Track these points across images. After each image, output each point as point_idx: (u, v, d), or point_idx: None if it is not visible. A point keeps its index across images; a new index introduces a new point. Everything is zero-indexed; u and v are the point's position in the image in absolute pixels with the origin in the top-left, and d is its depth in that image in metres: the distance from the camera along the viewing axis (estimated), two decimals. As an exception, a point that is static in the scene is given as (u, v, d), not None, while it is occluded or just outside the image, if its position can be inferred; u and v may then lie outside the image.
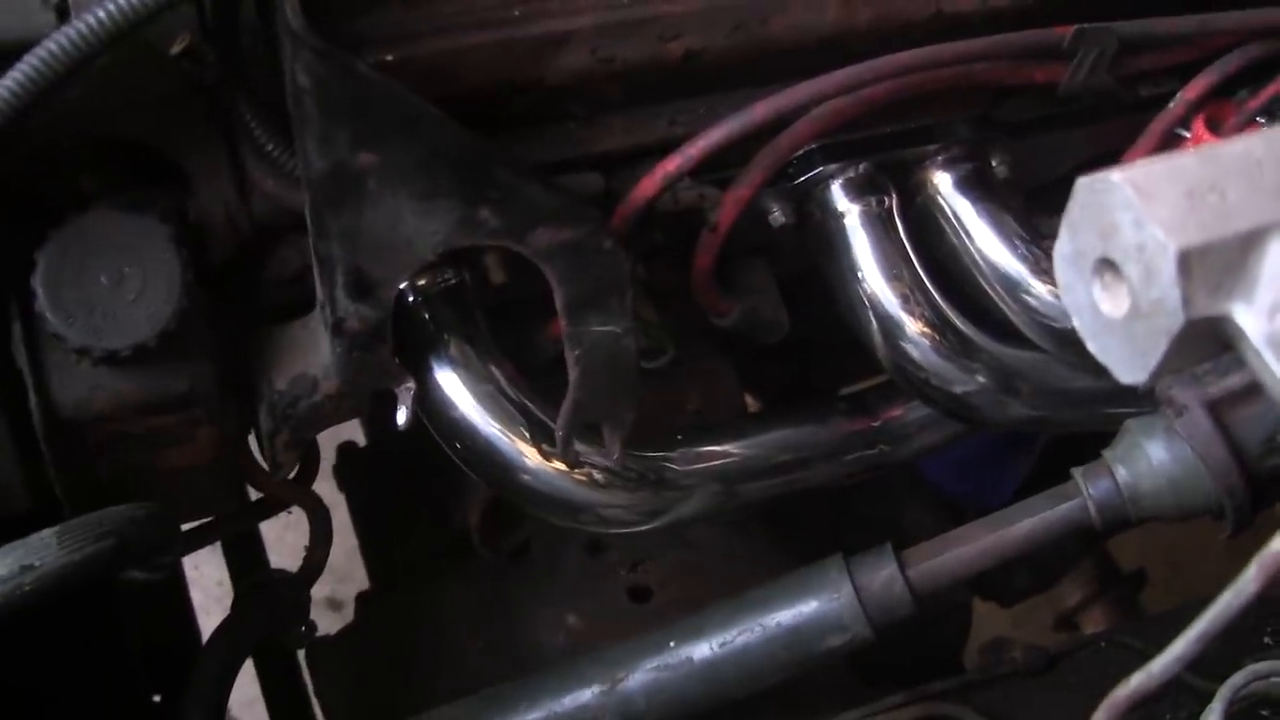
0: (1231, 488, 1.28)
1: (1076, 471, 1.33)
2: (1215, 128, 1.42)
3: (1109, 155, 1.45)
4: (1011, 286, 1.41)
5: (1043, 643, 1.50)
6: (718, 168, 1.31)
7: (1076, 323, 0.91)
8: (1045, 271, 1.40)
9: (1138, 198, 0.83)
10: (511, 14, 1.20)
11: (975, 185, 1.42)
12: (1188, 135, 1.43)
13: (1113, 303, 0.88)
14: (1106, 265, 0.87)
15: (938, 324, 1.39)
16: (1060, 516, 1.32)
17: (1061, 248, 0.90)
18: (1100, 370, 1.31)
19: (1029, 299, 1.40)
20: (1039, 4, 1.33)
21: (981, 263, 1.41)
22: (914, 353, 1.40)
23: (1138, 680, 0.88)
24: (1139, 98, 1.42)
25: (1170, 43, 1.37)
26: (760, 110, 1.26)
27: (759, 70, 1.29)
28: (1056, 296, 1.40)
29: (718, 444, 1.43)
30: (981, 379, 1.40)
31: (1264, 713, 1.22)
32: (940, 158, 1.42)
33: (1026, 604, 2.11)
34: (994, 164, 1.44)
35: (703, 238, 1.34)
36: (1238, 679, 1.10)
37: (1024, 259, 1.40)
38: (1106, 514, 1.31)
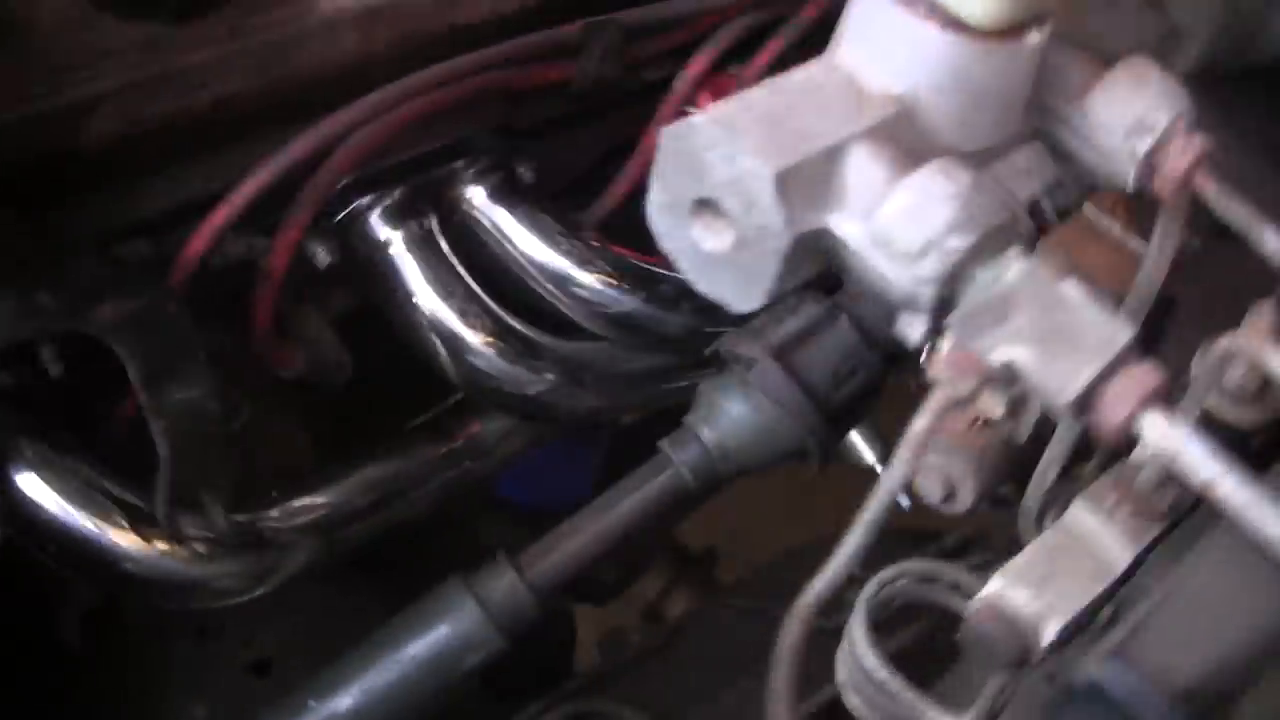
0: (812, 425, 1.40)
1: (663, 443, 1.43)
2: (721, 99, 1.55)
3: (626, 144, 1.56)
4: (561, 282, 1.50)
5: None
6: (269, 214, 1.33)
7: (682, 266, 1.00)
8: (589, 262, 1.50)
9: (725, 134, 0.92)
10: (36, 88, 1.19)
11: (508, 193, 1.50)
12: (697, 110, 1.55)
13: (715, 239, 0.96)
14: (703, 205, 0.96)
15: (499, 331, 1.46)
16: (658, 488, 1.41)
17: (655, 199, 0.99)
18: (657, 346, 1.43)
19: (579, 290, 1.50)
20: (541, 4, 1.42)
21: (529, 265, 1.50)
22: (482, 364, 1.46)
23: (819, 584, 0.96)
24: (645, 83, 1.54)
25: (669, 26, 1.49)
26: (297, 147, 1.30)
27: (290, 109, 1.32)
28: (604, 284, 1.51)
29: (311, 495, 1.45)
30: (550, 376, 1.49)
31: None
32: (470, 172, 1.49)
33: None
34: (520, 170, 1.52)
35: (258, 288, 1.36)
36: (885, 574, 1.19)
37: (567, 254, 1.50)
38: (700, 476, 1.41)
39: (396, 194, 1.44)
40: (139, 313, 1.22)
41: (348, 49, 1.32)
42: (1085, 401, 0.88)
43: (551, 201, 1.53)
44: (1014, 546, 1.30)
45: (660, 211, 0.98)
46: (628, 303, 1.50)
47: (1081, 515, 1.05)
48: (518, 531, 1.83)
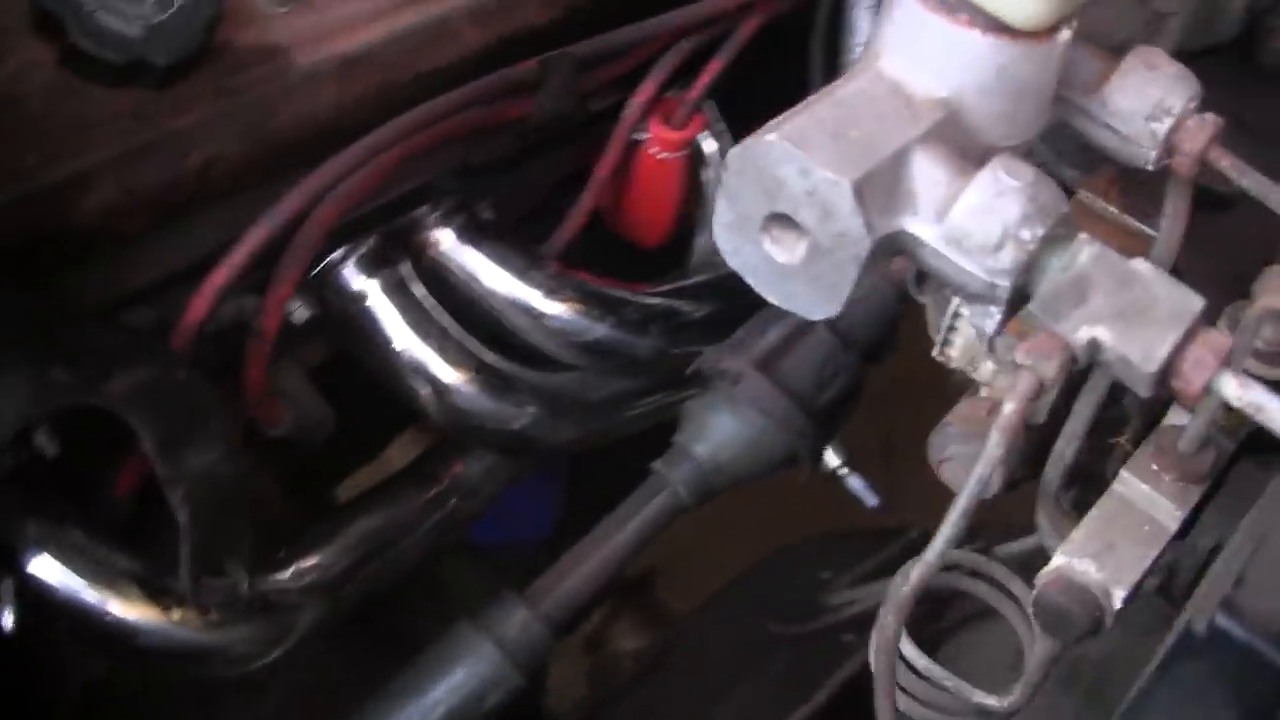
0: (801, 432, 1.45)
1: (657, 464, 1.46)
2: (669, 122, 1.59)
3: (579, 174, 1.59)
4: (532, 315, 1.52)
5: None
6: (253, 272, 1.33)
7: (753, 282, 1.03)
8: (556, 292, 1.52)
9: (798, 150, 0.95)
10: (26, 163, 1.18)
11: (474, 233, 1.52)
12: (647, 135, 1.59)
13: (789, 252, 1.00)
14: (774, 220, 0.99)
15: (479, 368, 1.48)
16: (656, 509, 1.45)
17: (722, 218, 1.01)
18: (629, 370, 1.46)
19: (550, 321, 1.53)
20: (501, 44, 1.44)
21: (501, 301, 1.52)
22: (464, 402, 1.48)
23: (917, 571, 1.00)
24: (593, 113, 1.56)
25: (617, 55, 1.52)
26: (288, 204, 1.31)
27: (275, 166, 1.32)
28: (573, 313, 1.53)
29: (313, 554, 1.45)
30: (532, 409, 1.50)
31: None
32: (435, 215, 1.51)
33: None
34: (482, 208, 1.53)
35: (250, 348, 1.35)
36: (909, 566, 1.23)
37: (537, 286, 1.52)
38: (696, 492, 1.45)
39: (368, 244, 1.45)
40: (151, 382, 1.21)
41: (328, 101, 1.33)
42: (1167, 369, 0.94)
43: (513, 235, 1.55)
44: (1004, 529, 1.36)
45: (727, 230, 1.01)
46: (598, 329, 1.53)
47: (1132, 483, 1.11)
48: (478, 570, 1.85)
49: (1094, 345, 0.95)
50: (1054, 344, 0.95)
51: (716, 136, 1.67)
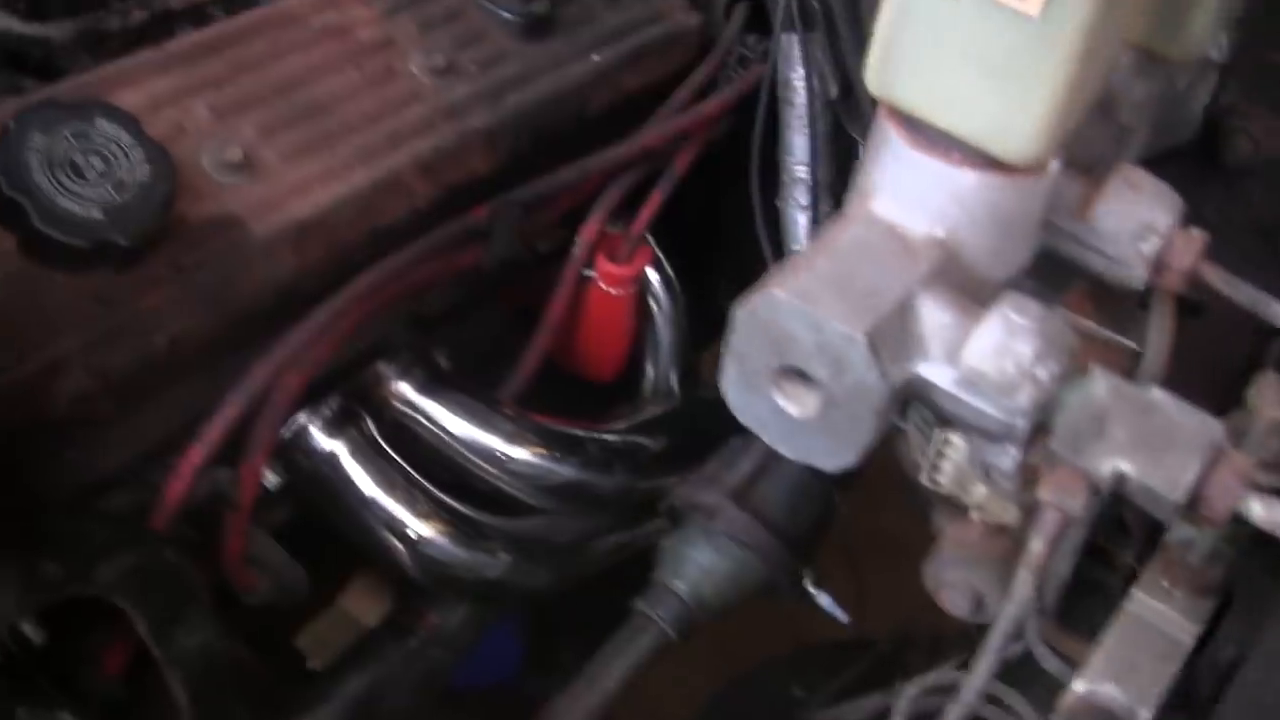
0: (781, 561, 1.44)
1: (639, 603, 1.45)
2: (614, 258, 1.59)
3: (529, 314, 1.58)
4: (497, 461, 1.50)
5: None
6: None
7: (766, 437, 1.03)
8: (518, 436, 1.51)
9: (806, 305, 0.96)
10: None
11: (432, 383, 1.51)
12: (594, 273, 1.59)
13: (801, 406, 1.00)
14: (784, 374, 0.99)
15: (451, 520, 1.46)
16: (642, 648, 1.43)
17: (730, 374, 1.01)
18: (595, 509, 1.45)
19: (514, 466, 1.51)
20: (450, 194, 1.43)
21: (465, 450, 1.50)
22: (438, 554, 1.46)
23: (954, 713, 1.00)
24: (539, 255, 1.56)
25: (559, 196, 1.51)
26: (257, 376, 1.29)
27: (238, 336, 1.30)
28: (538, 457, 1.52)
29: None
30: (505, 556, 1.48)
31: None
32: (394, 369, 1.49)
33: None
34: (439, 358, 1.52)
35: (227, 521, 1.33)
36: (909, 689, 1.24)
37: (498, 433, 1.50)
38: (680, 626, 1.44)
39: (333, 405, 1.43)
40: (139, 567, 1.19)
41: (288, 267, 1.31)
42: (1193, 496, 0.94)
43: (470, 382, 1.53)
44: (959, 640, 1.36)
45: (737, 387, 1.01)
46: (563, 471, 1.52)
47: (1144, 601, 1.12)
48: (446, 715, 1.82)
49: (1118, 477, 0.95)
50: (1077, 479, 0.96)
51: (658, 268, 1.68)
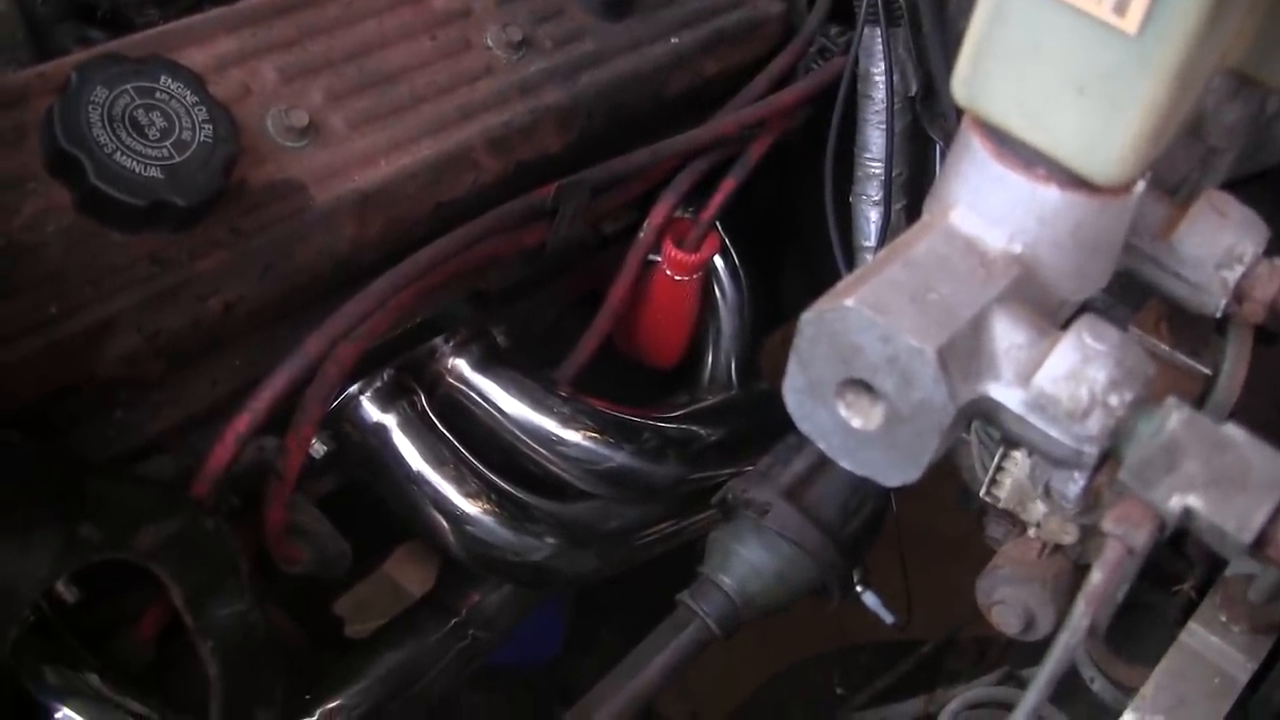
0: (831, 562, 1.40)
1: (684, 596, 1.41)
2: (681, 244, 1.55)
3: (590, 296, 1.55)
4: (550, 444, 1.47)
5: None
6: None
7: (825, 447, 0.98)
8: (573, 420, 1.47)
9: (877, 317, 0.91)
10: (48, 313, 1.12)
11: (489, 361, 1.47)
12: (659, 259, 1.55)
13: (865, 419, 0.95)
14: (849, 385, 0.95)
15: (499, 501, 1.43)
16: (685, 642, 1.40)
17: (793, 383, 0.97)
18: (646, 497, 1.41)
19: (567, 450, 1.47)
20: (518, 171, 1.39)
21: (518, 431, 1.46)
22: (484, 534, 1.42)
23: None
24: (604, 237, 1.52)
25: (630, 178, 1.47)
26: (310, 347, 1.25)
27: (293, 304, 1.27)
28: (591, 441, 1.48)
29: (336, 695, 1.40)
30: (551, 540, 1.45)
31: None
32: (450, 345, 1.45)
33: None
34: (497, 336, 1.48)
35: (271, 489, 1.30)
36: (953, 705, 1.21)
37: (553, 415, 1.47)
38: (724, 623, 1.40)
39: (385, 377, 1.40)
40: (178, 535, 1.16)
41: (346, 238, 1.28)
42: (1262, 537, 0.90)
43: (528, 362, 1.50)
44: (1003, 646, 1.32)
45: (798, 395, 0.97)
46: (616, 457, 1.48)
47: (1200, 634, 1.07)
48: (494, 701, 1.80)
49: (1186, 513, 0.91)
50: (1144, 512, 0.91)
51: (725, 256, 1.64)
